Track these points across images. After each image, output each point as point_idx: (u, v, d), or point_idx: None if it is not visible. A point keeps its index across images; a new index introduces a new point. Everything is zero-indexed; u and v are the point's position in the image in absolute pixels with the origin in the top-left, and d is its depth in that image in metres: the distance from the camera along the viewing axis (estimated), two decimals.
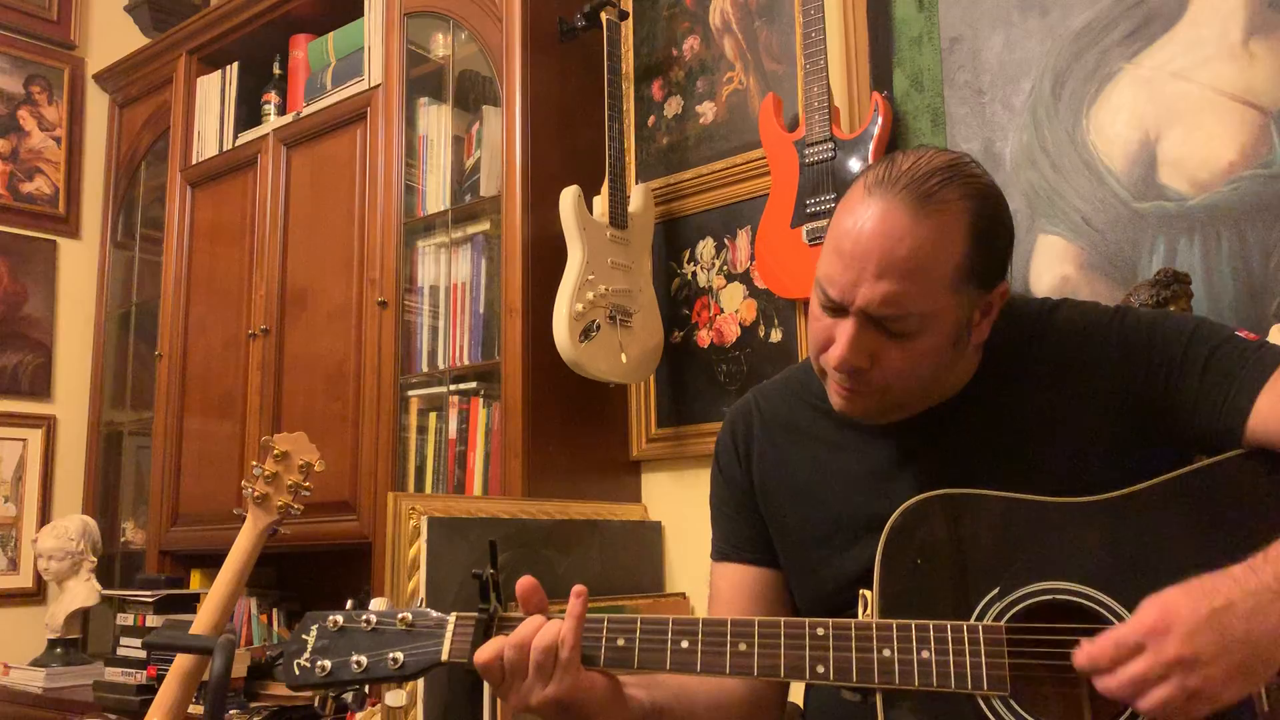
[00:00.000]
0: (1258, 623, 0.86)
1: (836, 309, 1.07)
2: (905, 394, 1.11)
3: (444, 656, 1.09)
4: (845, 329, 1.06)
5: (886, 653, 1.00)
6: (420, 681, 1.72)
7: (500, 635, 1.07)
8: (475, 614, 1.10)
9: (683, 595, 2.29)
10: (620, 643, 1.07)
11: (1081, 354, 1.13)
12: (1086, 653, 0.91)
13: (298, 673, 1.10)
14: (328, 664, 1.10)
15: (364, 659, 1.09)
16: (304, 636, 1.12)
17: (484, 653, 1.06)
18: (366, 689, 1.48)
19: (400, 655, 1.09)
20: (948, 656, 0.99)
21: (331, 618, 1.12)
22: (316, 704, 1.45)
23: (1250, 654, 0.86)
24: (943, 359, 1.09)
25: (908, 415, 1.15)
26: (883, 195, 1.04)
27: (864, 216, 1.04)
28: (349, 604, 1.15)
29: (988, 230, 1.06)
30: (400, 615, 1.11)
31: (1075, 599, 0.99)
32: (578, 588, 1.08)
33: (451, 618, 1.11)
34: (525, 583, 1.10)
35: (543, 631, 1.05)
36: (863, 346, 1.06)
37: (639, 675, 1.14)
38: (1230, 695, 0.86)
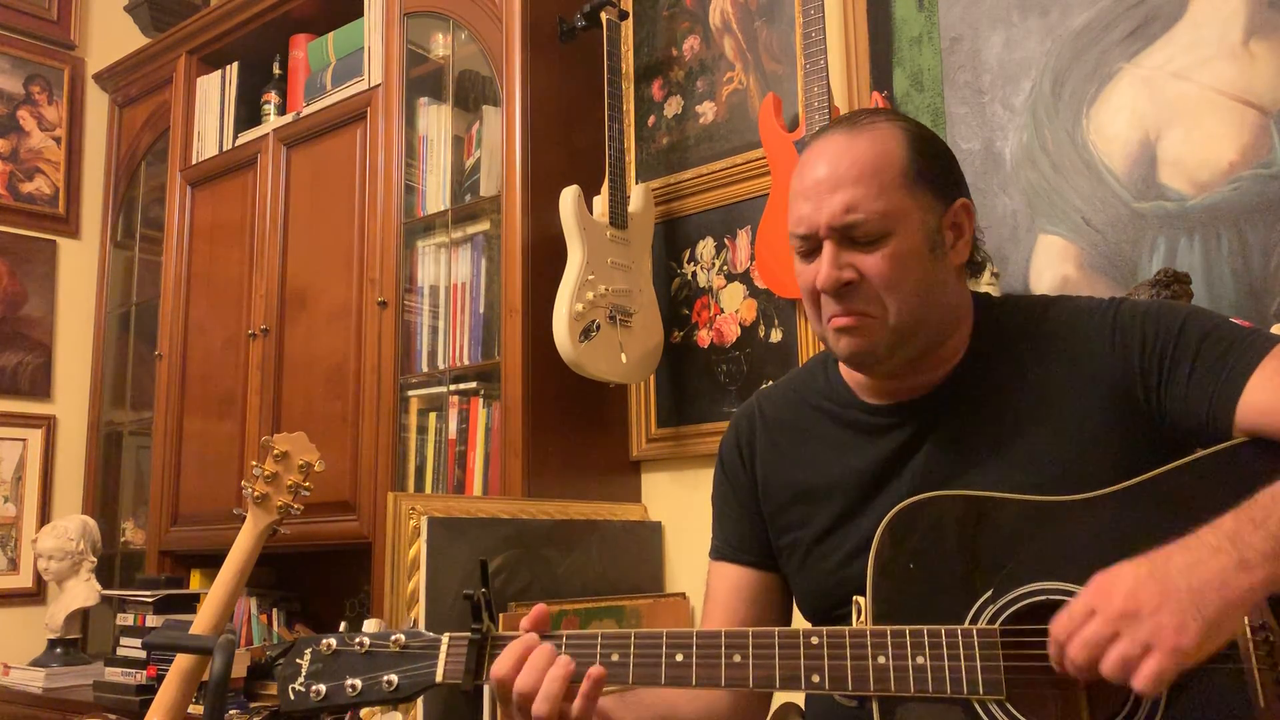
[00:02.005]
0: (1197, 573, 0.87)
1: (812, 246, 1.14)
2: (908, 318, 1.11)
3: (438, 678, 1.09)
4: (824, 255, 1.12)
5: (881, 660, 1.00)
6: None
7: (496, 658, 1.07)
8: (468, 634, 1.09)
9: (682, 595, 2.29)
10: (615, 658, 1.06)
11: (1076, 343, 1.13)
12: (1051, 634, 0.92)
13: (293, 697, 1.10)
14: (322, 688, 1.09)
15: (358, 682, 1.09)
16: (298, 661, 1.11)
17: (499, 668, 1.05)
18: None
19: (394, 677, 1.09)
20: (942, 661, 0.98)
21: (325, 641, 1.12)
22: None
23: (1197, 601, 0.86)
24: (925, 269, 1.12)
25: (918, 354, 1.14)
26: (821, 140, 1.17)
27: (811, 161, 1.15)
28: (342, 626, 1.15)
29: (924, 142, 1.15)
30: (393, 637, 1.11)
31: (1070, 599, 0.98)
32: (594, 670, 1.04)
33: (445, 638, 1.10)
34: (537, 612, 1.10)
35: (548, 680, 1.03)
36: (842, 262, 1.12)
37: (622, 697, 1.14)
38: (1187, 643, 0.85)
